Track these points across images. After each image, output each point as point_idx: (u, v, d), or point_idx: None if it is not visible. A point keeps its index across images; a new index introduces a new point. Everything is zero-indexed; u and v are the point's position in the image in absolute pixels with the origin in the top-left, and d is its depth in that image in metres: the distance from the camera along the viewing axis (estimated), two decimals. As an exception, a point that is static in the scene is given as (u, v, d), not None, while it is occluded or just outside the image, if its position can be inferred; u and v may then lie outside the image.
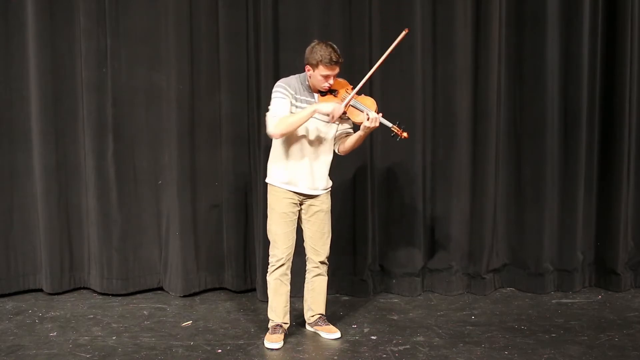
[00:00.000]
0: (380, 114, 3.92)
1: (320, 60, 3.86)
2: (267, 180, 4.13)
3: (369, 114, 3.89)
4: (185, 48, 4.88)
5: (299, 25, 4.78)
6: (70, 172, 5.03)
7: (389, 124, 3.94)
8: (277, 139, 3.99)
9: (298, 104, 3.97)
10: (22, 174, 5.02)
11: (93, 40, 4.90)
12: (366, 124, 3.89)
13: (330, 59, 3.85)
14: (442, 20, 4.95)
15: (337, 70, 3.92)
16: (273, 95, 3.95)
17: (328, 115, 3.90)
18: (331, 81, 3.94)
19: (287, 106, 3.91)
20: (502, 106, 5.04)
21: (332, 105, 3.88)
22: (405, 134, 3.94)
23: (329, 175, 4.18)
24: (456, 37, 4.92)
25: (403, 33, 3.95)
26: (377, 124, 3.91)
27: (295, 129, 3.91)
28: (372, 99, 4.04)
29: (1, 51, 4.90)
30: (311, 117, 3.90)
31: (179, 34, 4.88)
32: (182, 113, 4.93)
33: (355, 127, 4.10)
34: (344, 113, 3.96)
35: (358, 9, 4.87)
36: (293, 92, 3.96)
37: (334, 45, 3.92)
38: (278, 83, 3.99)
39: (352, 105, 3.96)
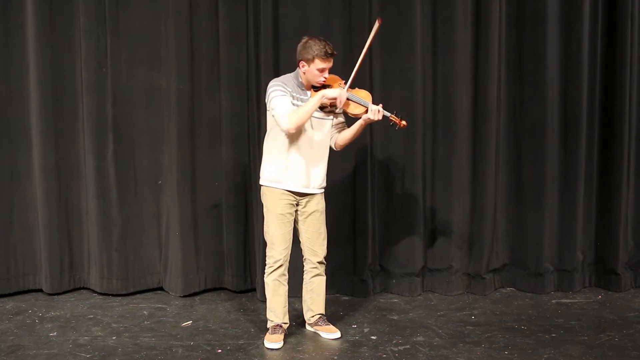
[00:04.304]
0: (381, 105, 3.97)
1: (317, 54, 3.90)
2: (261, 182, 4.12)
3: (371, 107, 3.94)
4: (185, 48, 4.89)
5: (299, 25, 4.78)
6: (70, 172, 5.03)
7: (388, 114, 4.00)
8: (292, 132, 3.94)
9: (294, 101, 3.98)
10: (22, 174, 5.01)
11: (93, 40, 4.90)
12: (370, 116, 3.94)
13: (326, 51, 3.90)
14: (442, 20, 4.95)
15: (332, 63, 3.96)
16: (272, 94, 3.94)
17: (335, 99, 3.91)
18: (326, 74, 3.98)
19: (289, 102, 3.93)
20: (502, 106, 5.04)
21: (338, 91, 3.92)
22: (404, 122, 3.99)
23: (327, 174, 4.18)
24: (456, 37, 4.92)
25: (377, 24, 4.00)
26: (381, 116, 3.95)
27: (308, 118, 3.92)
28: (367, 92, 4.09)
29: (1, 51, 4.90)
30: (321, 102, 3.91)
31: (179, 34, 4.88)
32: (182, 113, 4.93)
33: (348, 120, 4.15)
34: (338, 108, 4.00)
35: (358, 9, 4.87)
36: (290, 90, 3.97)
37: (326, 40, 3.96)
38: (274, 82, 3.99)
39: (348, 99, 3.99)
